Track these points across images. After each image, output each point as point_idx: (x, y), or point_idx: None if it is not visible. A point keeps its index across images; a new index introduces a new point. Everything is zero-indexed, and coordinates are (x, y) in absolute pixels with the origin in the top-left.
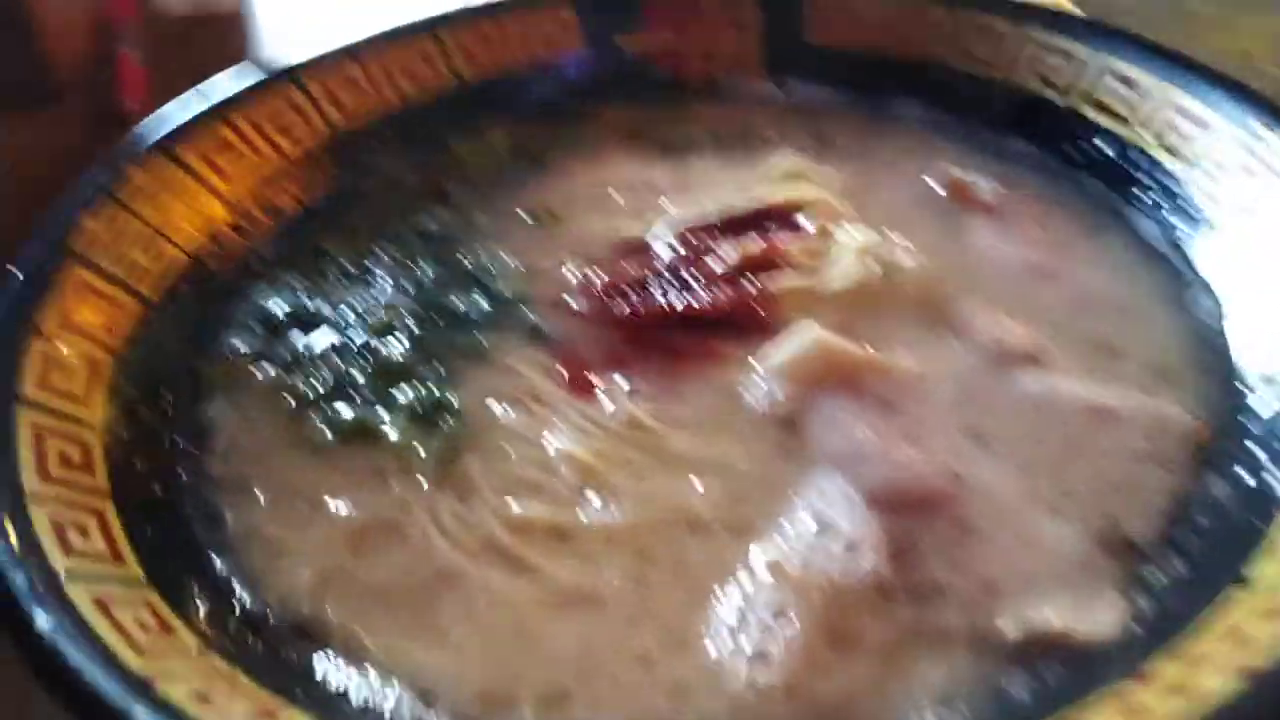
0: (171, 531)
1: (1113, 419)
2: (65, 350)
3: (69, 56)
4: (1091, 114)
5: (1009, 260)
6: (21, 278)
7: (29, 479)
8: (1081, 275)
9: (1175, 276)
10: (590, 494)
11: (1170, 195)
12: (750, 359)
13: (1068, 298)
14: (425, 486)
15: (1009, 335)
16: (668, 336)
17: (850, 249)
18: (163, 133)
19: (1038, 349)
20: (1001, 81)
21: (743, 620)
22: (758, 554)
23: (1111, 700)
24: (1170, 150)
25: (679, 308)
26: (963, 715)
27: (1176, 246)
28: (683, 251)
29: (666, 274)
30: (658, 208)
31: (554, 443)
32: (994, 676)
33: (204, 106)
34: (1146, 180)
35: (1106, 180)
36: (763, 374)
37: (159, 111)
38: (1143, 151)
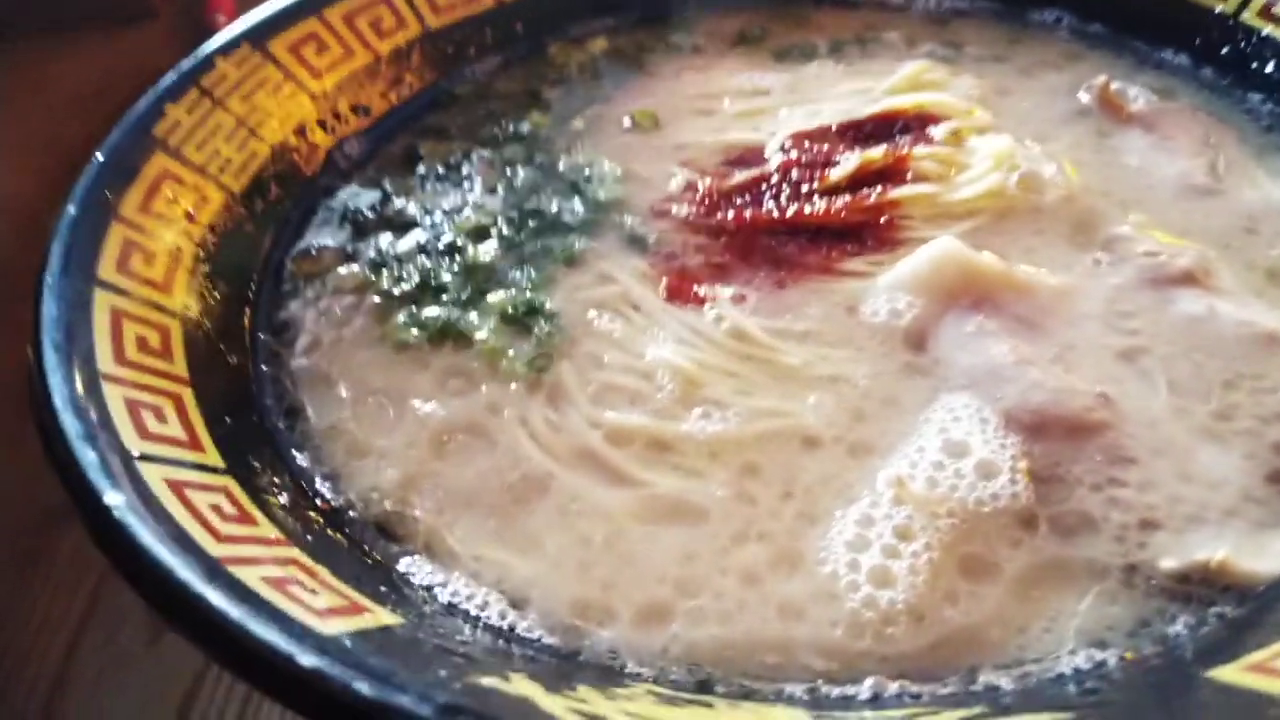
0: (251, 423)
1: None
2: (146, 236)
3: None
4: (1259, 24)
5: (1165, 176)
6: (104, 162)
7: (103, 360)
8: (1247, 195)
9: None
10: (692, 406)
11: None
12: (873, 272)
13: (1232, 218)
14: (516, 390)
15: (1166, 253)
16: (779, 246)
17: (987, 158)
18: (252, 25)
19: (1198, 269)
20: None
21: (862, 539)
22: (880, 473)
23: None
24: None
25: (791, 215)
26: (1118, 657)
27: None
28: (797, 157)
29: (779, 181)
30: (770, 114)
31: (653, 352)
32: (1152, 616)
33: (295, 0)
34: None
35: (1274, 95)
36: (887, 287)
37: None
38: None
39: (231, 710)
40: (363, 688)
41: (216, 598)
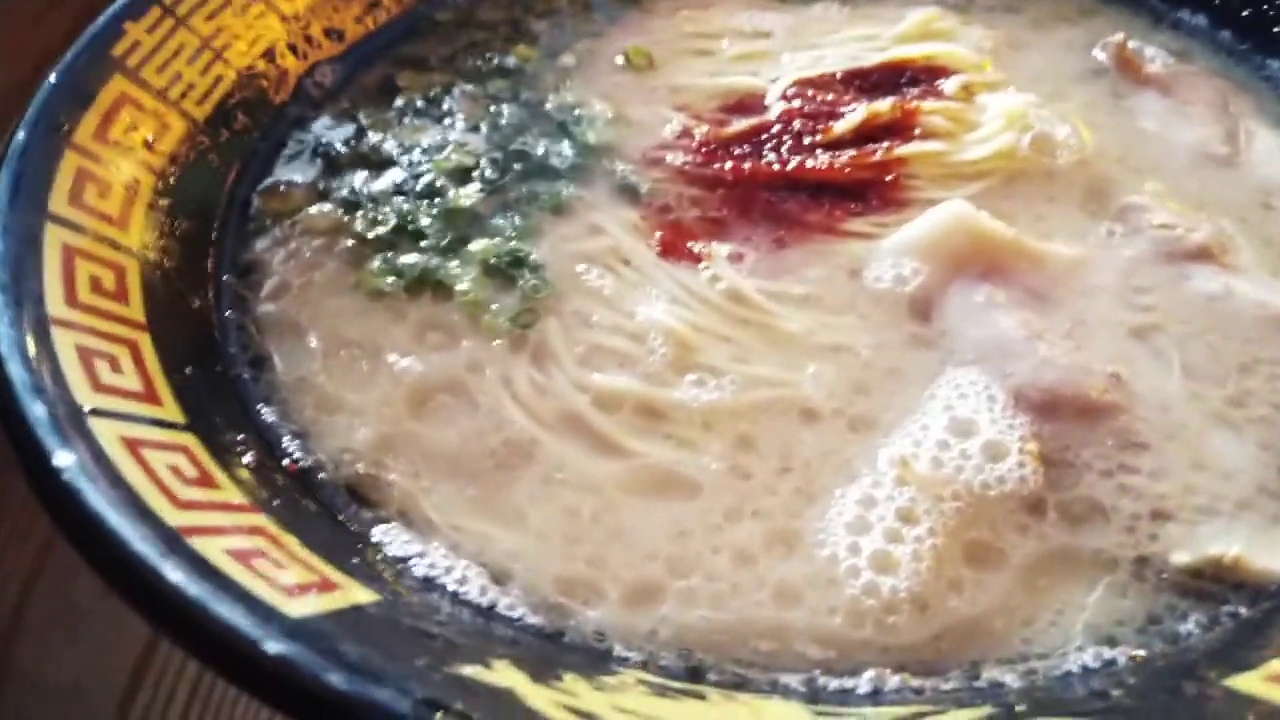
0: (214, 373)
1: None
2: (102, 166)
3: None
4: None
5: (1183, 143)
6: (58, 84)
7: (54, 302)
8: (1266, 167)
9: None
10: (685, 372)
11: None
12: (877, 233)
13: (1250, 191)
14: (498, 347)
15: (1182, 226)
16: (779, 202)
17: (998, 116)
18: None
19: (1215, 244)
20: None
21: (862, 521)
22: (881, 450)
23: None
24: None
25: (792, 169)
26: (1128, 656)
27: None
28: (800, 106)
29: (779, 132)
30: (771, 58)
31: (644, 312)
32: (1162, 612)
33: None
34: None
35: None
36: (892, 251)
37: None
38: None
39: (191, 665)
40: (334, 679)
41: (174, 574)
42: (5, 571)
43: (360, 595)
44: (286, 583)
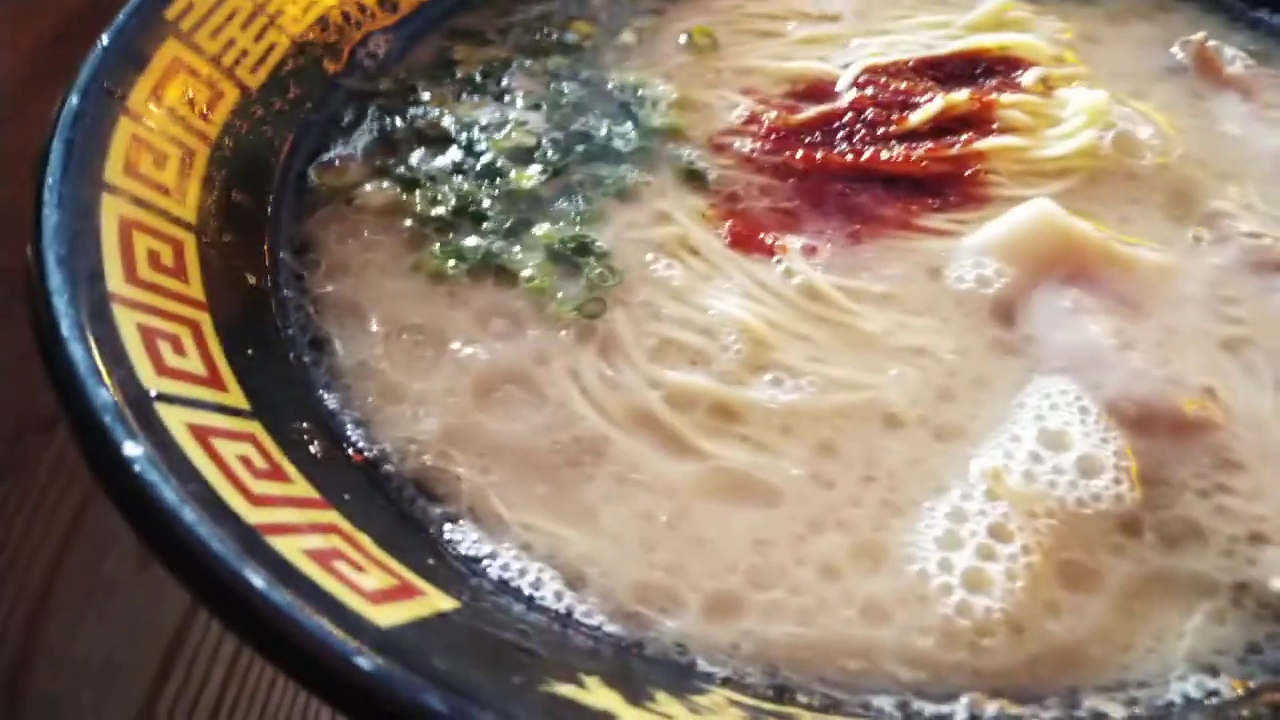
0: (274, 356)
1: None
2: (157, 134)
3: None
4: None
5: (1265, 149)
6: (110, 47)
7: (113, 278)
8: None
9: None
10: (761, 371)
11: None
12: (956, 231)
13: None
14: (565, 338)
15: (1270, 235)
16: (852, 194)
17: (1080, 112)
18: None
19: None
20: None
21: (953, 536)
22: (971, 461)
23: None
24: None
25: (865, 160)
26: (1229, 686)
27: None
28: (873, 95)
29: (852, 120)
30: (840, 42)
31: (717, 305)
32: (1263, 641)
33: None
34: None
35: None
36: (974, 250)
37: None
38: None
39: (227, 645)
40: (431, 700)
41: (256, 578)
42: (33, 544)
43: (442, 602)
44: (369, 588)
